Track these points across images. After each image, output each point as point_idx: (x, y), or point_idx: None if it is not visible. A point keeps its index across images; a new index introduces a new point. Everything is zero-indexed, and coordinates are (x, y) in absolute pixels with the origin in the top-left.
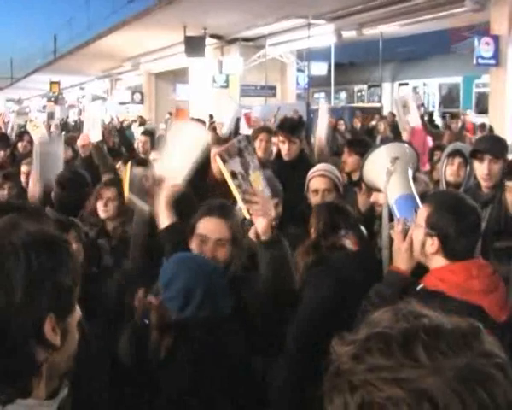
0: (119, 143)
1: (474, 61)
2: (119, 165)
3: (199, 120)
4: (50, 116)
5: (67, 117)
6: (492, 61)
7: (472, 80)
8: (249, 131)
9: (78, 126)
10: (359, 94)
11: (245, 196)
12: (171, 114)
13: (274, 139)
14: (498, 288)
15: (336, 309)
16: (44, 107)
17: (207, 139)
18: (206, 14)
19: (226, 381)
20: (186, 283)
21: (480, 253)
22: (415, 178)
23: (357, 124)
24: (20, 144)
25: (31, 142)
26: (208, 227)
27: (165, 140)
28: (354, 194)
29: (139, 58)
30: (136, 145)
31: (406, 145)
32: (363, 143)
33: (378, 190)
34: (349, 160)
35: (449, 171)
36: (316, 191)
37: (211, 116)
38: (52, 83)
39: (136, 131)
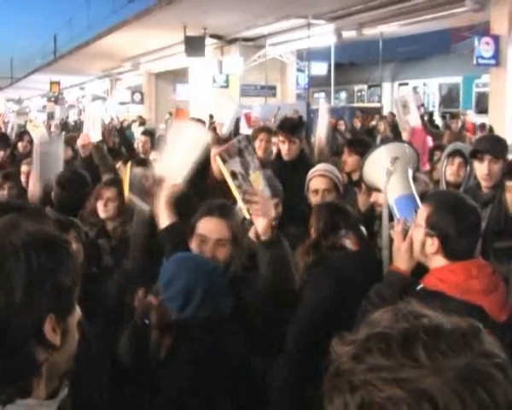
0: (119, 143)
1: (474, 61)
2: (119, 165)
3: (199, 120)
4: (50, 116)
5: (67, 117)
6: (492, 61)
7: (472, 80)
8: (249, 131)
9: (78, 126)
10: (359, 94)
11: (245, 196)
12: (171, 114)
13: (274, 139)
14: (498, 288)
15: (336, 309)
16: (44, 107)
17: (207, 139)
18: (206, 14)
19: (226, 381)
20: (186, 283)
21: (480, 253)
22: (415, 178)
23: (357, 124)
24: (20, 144)
25: (31, 142)
26: (208, 227)
27: (165, 140)
28: (354, 194)
29: (139, 58)
30: (136, 145)
31: (406, 145)
32: (363, 143)
33: (378, 190)
34: (349, 160)
35: (449, 171)
36: (316, 191)
37: (211, 116)
38: (52, 83)
39: (136, 131)
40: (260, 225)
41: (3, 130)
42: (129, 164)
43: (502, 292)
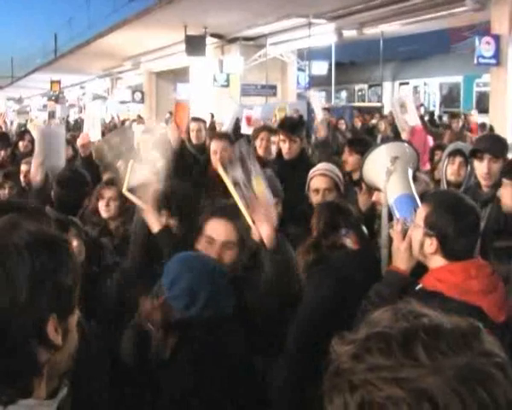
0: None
1: (475, 61)
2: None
3: (200, 119)
4: (51, 115)
5: (68, 116)
6: (493, 61)
7: (473, 80)
8: (249, 131)
9: (79, 125)
10: (360, 93)
11: (248, 204)
12: (171, 113)
13: (274, 138)
14: (497, 288)
15: (336, 309)
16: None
17: (167, 136)
18: (206, 14)
19: (226, 381)
20: (190, 282)
21: (480, 252)
22: (415, 178)
23: (358, 123)
24: (21, 144)
25: (32, 141)
26: (216, 229)
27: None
28: (355, 193)
29: (140, 57)
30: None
31: (406, 145)
32: (363, 142)
33: (378, 190)
34: (349, 159)
35: (449, 170)
36: (316, 191)
37: (212, 115)
38: (53, 82)
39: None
40: (265, 233)
41: (4, 128)
42: (130, 162)
43: (501, 292)
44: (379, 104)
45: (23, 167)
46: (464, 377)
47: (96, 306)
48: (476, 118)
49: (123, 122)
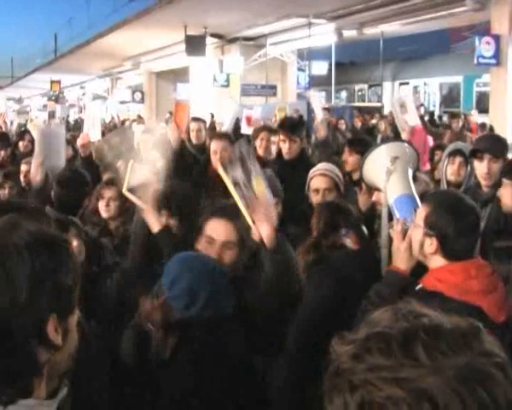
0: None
1: (475, 61)
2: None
3: (200, 119)
4: (51, 115)
5: (68, 116)
6: (493, 61)
7: (473, 80)
8: (249, 131)
9: (79, 125)
10: (360, 93)
11: (248, 204)
12: (171, 113)
13: (274, 138)
14: (497, 288)
15: (336, 309)
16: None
17: (167, 136)
18: (206, 14)
19: (226, 381)
20: (190, 282)
21: (480, 252)
22: (415, 178)
23: (358, 123)
24: (21, 144)
25: (32, 141)
26: (216, 229)
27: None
28: (355, 193)
29: (140, 57)
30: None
31: (406, 145)
32: (363, 142)
33: (378, 190)
34: (349, 159)
35: (450, 170)
36: (316, 191)
37: (212, 115)
38: (53, 82)
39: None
40: (265, 233)
41: (4, 128)
42: (130, 162)
43: (501, 292)
44: (379, 104)
45: (23, 167)
46: (464, 377)
47: (96, 306)
48: (476, 118)
49: (123, 122)
